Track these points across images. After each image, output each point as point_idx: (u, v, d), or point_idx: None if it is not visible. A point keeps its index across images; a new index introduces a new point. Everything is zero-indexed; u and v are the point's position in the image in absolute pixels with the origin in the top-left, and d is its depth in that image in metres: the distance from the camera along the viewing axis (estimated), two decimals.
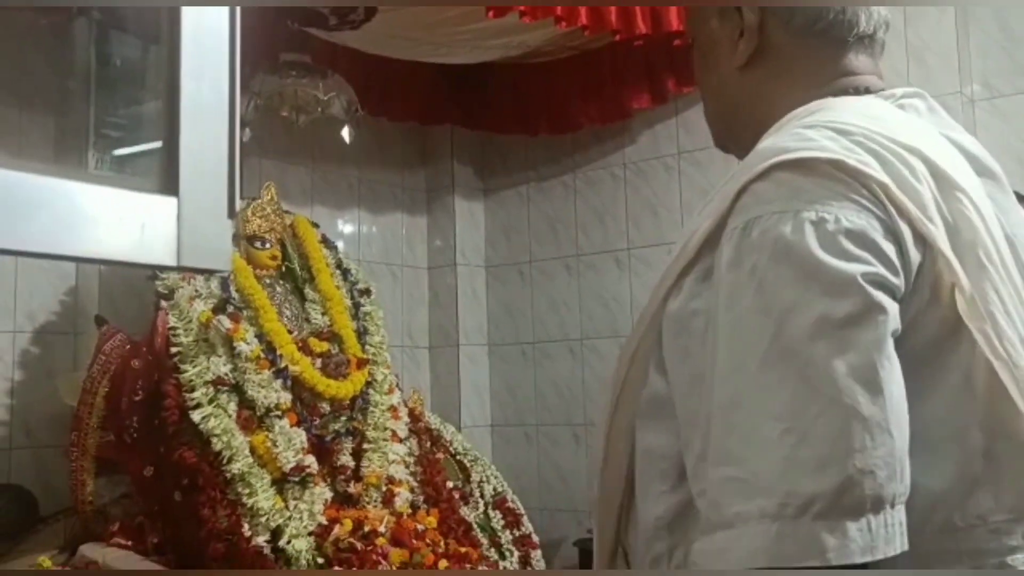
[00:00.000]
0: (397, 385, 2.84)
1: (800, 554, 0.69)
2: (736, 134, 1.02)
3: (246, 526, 2.21)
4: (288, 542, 2.23)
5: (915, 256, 0.77)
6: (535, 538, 2.97)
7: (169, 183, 0.53)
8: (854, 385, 0.70)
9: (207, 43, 0.53)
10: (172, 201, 0.52)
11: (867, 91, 0.93)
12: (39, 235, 0.49)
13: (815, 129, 0.81)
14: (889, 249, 0.75)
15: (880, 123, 0.84)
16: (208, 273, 2.25)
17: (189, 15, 0.52)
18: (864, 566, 0.70)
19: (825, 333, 0.72)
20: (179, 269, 0.55)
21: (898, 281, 0.75)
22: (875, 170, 0.77)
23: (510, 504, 3.01)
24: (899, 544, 0.71)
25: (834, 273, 0.73)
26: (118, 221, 0.51)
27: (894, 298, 0.75)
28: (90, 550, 2.32)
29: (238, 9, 0.54)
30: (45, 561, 2.26)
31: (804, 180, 0.76)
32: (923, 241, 0.77)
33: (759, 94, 0.96)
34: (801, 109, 0.89)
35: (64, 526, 2.50)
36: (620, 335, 3.45)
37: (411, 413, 2.87)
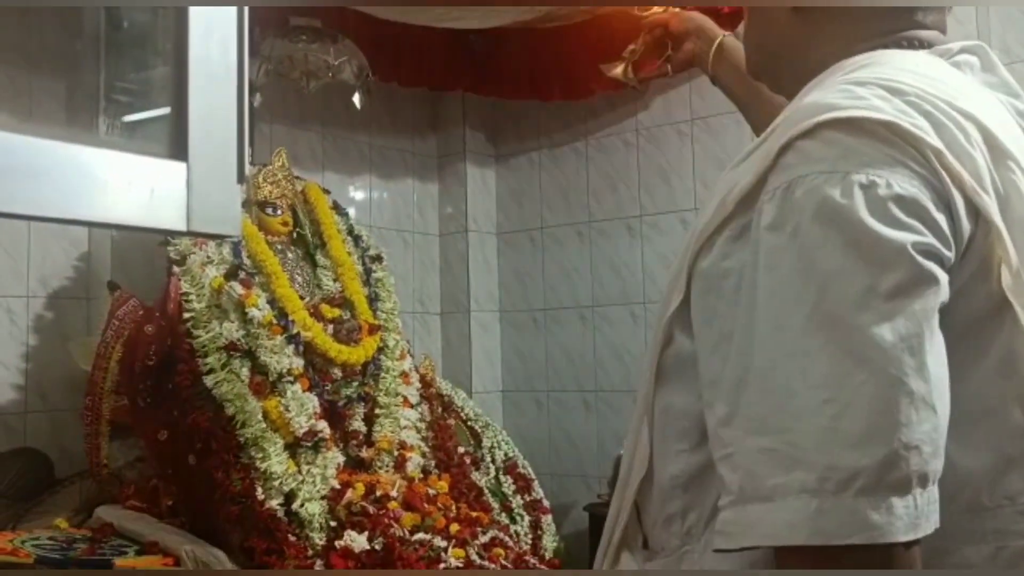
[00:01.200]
0: (408, 351, 2.85)
1: (841, 531, 0.66)
2: (775, 72, 0.98)
3: (259, 489, 2.23)
4: (301, 505, 2.25)
5: (967, 227, 0.73)
6: (546, 503, 3.00)
7: (178, 148, 0.52)
8: (901, 357, 0.68)
9: (215, 6, 0.53)
10: (181, 166, 0.52)
11: (922, 46, 0.88)
12: (48, 199, 0.48)
13: (866, 87, 0.77)
14: (940, 219, 0.71)
15: (934, 83, 0.79)
16: (217, 238, 2.24)
17: None
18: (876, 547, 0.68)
19: (872, 303, 0.68)
20: (188, 234, 0.54)
21: (949, 252, 0.72)
22: (929, 135, 0.73)
23: (521, 469, 3.03)
24: (934, 522, 0.69)
25: (883, 241, 0.69)
26: (127, 186, 0.51)
27: (944, 269, 0.72)
28: (106, 512, 2.36)
29: None
30: (62, 523, 2.30)
31: (855, 141, 0.72)
32: (975, 212, 0.73)
33: (808, 37, 0.91)
34: (848, 61, 0.85)
35: (80, 488, 2.53)
36: (631, 302, 3.45)
37: (422, 379, 2.89)
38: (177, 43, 0.52)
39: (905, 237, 0.70)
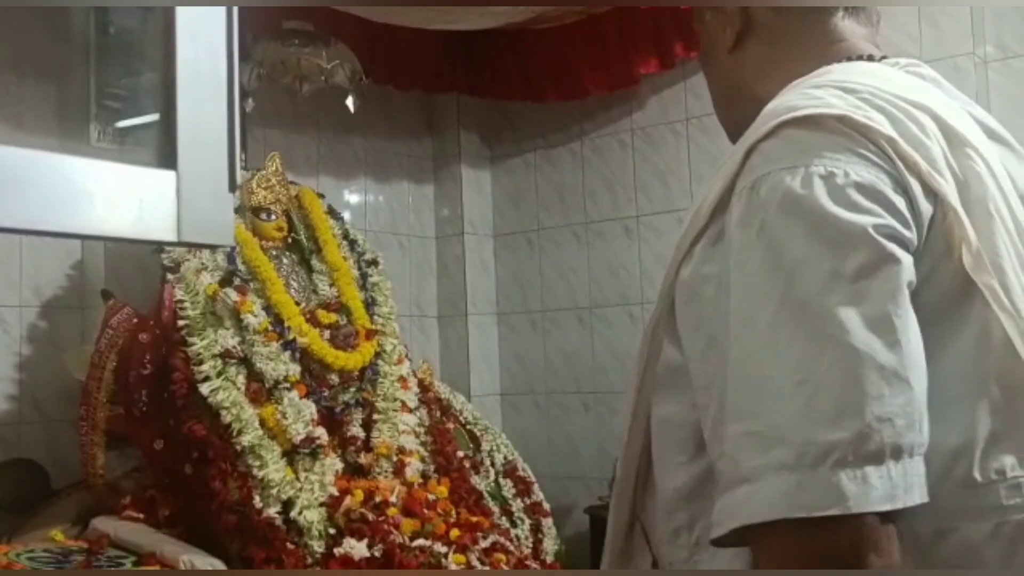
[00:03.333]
0: (406, 355, 2.84)
1: (820, 502, 0.68)
2: (740, 118, 1.01)
3: (257, 498, 2.21)
4: (299, 513, 2.23)
5: (926, 209, 0.76)
6: (546, 506, 2.98)
7: (167, 156, 0.51)
8: (869, 334, 0.70)
9: (203, 9, 0.51)
10: (171, 175, 0.51)
11: (868, 58, 0.93)
12: (34, 212, 0.47)
13: (822, 88, 0.82)
14: (899, 202, 0.75)
15: (887, 82, 0.84)
16: (209, 248, 2.23)
17: None
18: (887, 515, 0.69)
19: (838, 285, 0.71)
20: (179, 245, 0.53)
21: (910, 234, 0.75)
22: (882, 125, 0.77)
23: (520, 472, 3.02)
24: (918, 495, 0.71)
25: (845, 225, 0.72)
26: (115, 197, 0.49)
27: (907, 250, 0.75)
28: (102, 523, 2.33)
29: None
30: (58, 535, 2.27)
31: (812, 136, 0.76)
32: (934, 195, 0.77)
33: (754, 72, 0.97)
34: (804, 77, 0.89)
35: (76, 499, 2.51)
36: (629, 303, 3.44)
37: (420, 383, 2.87)
38: (164, 48, 0.50)
39: (866, 220, 0.73)
